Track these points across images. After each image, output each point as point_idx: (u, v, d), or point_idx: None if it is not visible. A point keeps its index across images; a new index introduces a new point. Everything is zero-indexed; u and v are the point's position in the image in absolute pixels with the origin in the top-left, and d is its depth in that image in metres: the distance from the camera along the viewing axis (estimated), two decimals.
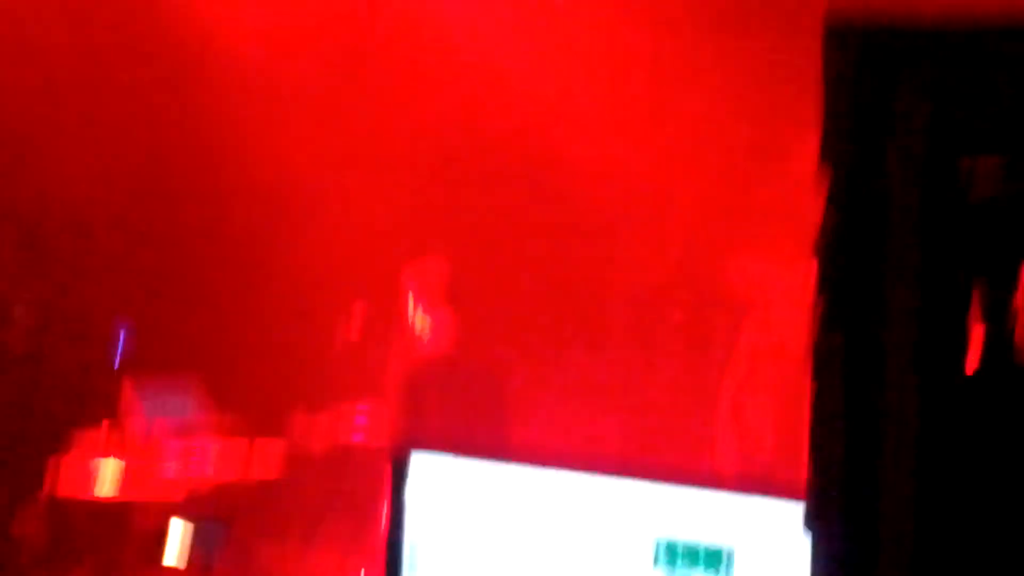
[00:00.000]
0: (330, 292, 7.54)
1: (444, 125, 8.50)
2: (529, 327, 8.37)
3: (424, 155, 8.56)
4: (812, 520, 1.49)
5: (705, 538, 1.90)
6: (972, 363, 1.46)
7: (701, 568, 1.90)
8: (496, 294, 8.74)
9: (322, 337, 7.39)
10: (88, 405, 7.69)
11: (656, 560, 1.93)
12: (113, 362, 8.35)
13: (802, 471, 1.50)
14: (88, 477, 6.99)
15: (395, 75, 8.40)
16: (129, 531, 6.94)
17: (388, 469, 2.17)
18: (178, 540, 2.39)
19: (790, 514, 1.82)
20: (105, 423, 7.40)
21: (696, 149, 8.89)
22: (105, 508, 6.97)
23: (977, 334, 1.48)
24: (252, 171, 8.43)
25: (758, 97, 8.04)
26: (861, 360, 1.50)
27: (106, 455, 7.00)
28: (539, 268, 8.92)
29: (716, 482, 1.98)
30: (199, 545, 2.40)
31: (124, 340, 9.34)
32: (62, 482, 6.93)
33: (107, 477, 6.94)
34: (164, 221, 8.82)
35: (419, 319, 7.46)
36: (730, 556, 1.87)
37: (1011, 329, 1.47)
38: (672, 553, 1.91)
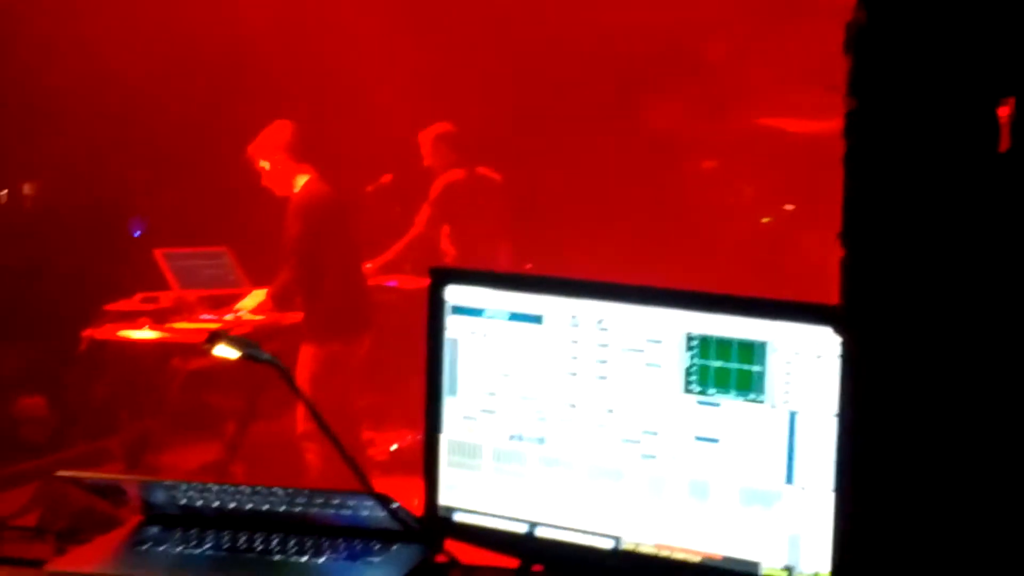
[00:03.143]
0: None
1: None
2: (565, 174, 8.42)
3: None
4: (844, 323, 1.49)
5: (738, 333, 1.91)
6: (1004, 142, 1.45)
7: (734, 373, 1.92)
8: (538, 144, 8.79)
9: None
10: (122, 279, 7.79)
11: (689, 357, 1.95)
12: (145, 238, 8.49)
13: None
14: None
15: None
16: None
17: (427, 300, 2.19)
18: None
19: (825, 313, 1.83)
20: (138, 295, 7.50)
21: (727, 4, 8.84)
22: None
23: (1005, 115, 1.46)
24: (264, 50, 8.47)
25: None
26: (894, 157, 1.49)
27: (140, 326, 7.10)
28: (571, 115, 8.94)
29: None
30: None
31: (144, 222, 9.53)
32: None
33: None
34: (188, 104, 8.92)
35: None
36: (764, 348, 1.88)
37: None
38: (705, 346, 1.93)
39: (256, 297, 7.21)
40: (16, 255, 8.94)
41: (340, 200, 7.05)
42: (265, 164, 6.88)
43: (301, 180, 6.84)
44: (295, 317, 7.18)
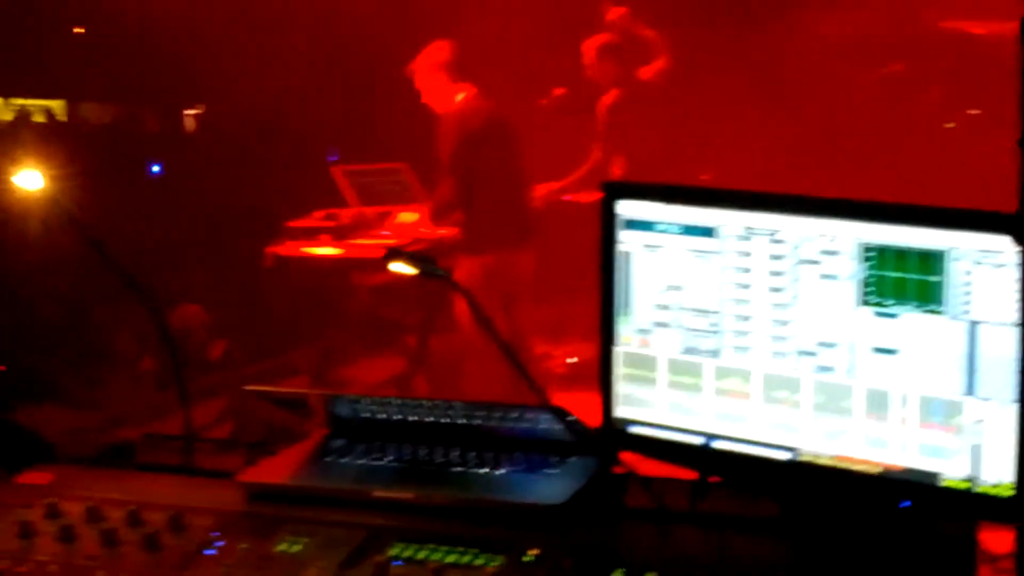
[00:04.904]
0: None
1: None
2: (736, 80, 8.31)
3: None
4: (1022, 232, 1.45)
5: (916, 243, 1.88)
6: None
7: (912, 284, 1.88)
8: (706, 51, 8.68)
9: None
10: (302, 199, 7.94)
11: (866, 268, 1.93)
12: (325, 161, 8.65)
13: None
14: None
15: None
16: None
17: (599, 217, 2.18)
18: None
19: (1006, 222, 1.79)
20: (318, 212, 7.65)
21: None
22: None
23: None
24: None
25: None
26: None
27: (321, 242, 7.24)
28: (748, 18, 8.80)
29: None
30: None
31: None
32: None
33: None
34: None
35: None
36: (943, 257, 1.84)
37: None
38: (882, 256, 1.89)
39: (406, 216, 7.35)
40: (208, 175, 9.18)
41: (500, 115, 7.11)
42: (424, 82, 7.01)
43: (459, 97, 6.93)
44: None
